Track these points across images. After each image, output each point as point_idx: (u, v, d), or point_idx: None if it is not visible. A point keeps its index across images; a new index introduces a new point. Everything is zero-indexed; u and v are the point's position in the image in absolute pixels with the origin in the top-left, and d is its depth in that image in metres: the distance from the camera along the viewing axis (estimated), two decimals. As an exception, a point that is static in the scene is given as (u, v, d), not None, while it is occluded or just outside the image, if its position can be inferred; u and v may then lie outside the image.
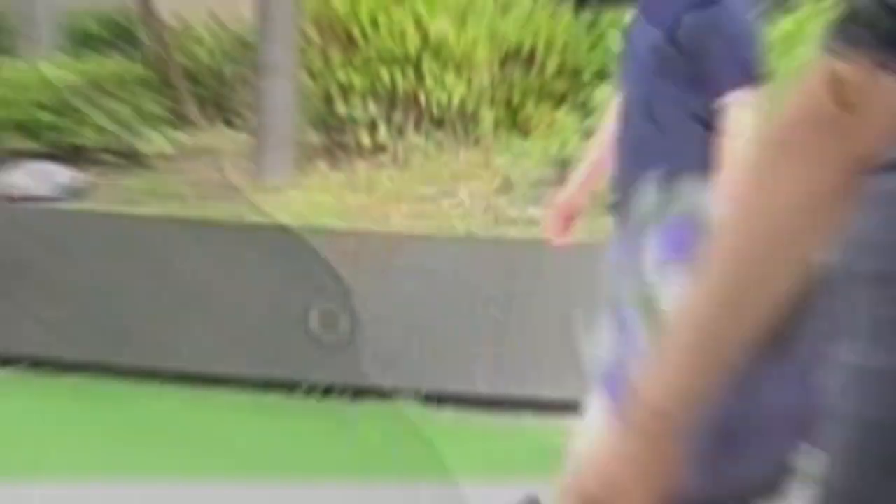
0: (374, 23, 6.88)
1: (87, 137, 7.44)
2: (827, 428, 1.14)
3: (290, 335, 6.60)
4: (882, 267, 1.04)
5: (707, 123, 4.09)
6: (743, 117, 3.99)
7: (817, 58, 1.07)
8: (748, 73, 4.11)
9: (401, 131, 7.01)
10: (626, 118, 4.44)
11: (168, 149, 7.58)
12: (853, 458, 1.09)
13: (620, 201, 4.16)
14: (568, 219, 4.36)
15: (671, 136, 4.20)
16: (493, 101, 7.23)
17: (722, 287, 1.07)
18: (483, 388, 5.98)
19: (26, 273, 6.61)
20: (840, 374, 1.11)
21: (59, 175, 7.04)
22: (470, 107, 7.06)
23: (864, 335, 1.06)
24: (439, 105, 6.97)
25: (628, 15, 4.83)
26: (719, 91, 4.09)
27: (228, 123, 7.90)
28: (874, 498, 1.08)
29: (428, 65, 6.88)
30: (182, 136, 7.75)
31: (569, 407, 4.79)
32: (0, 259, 6.70)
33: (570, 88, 7.52)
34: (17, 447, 5.41)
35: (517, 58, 7.57)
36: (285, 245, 6.67)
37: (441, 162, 6.83)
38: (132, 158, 7.42)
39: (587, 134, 6.38)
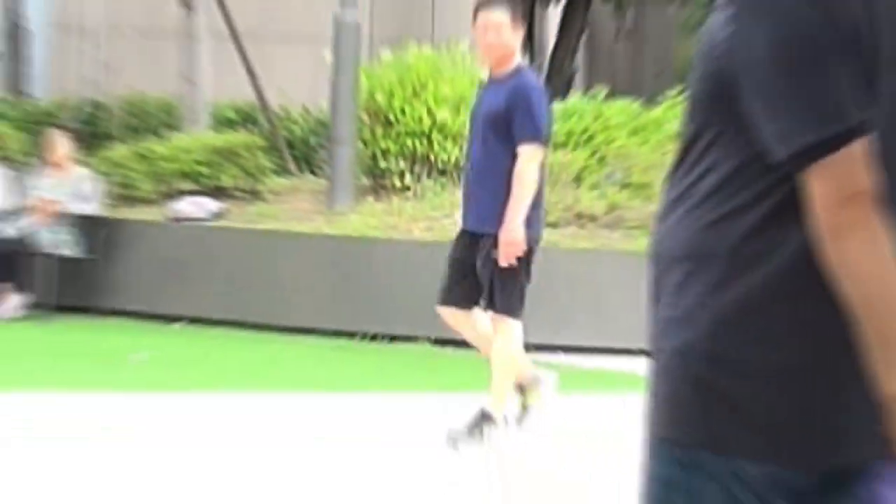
0: (402, 111, 9.28)
1: (226, 181, 10.09)
2: None
3: (347, 300, 9.19)
4: None
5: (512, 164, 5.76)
6: (528, 165, 5.79)
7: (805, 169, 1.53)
8: (536, 133, 5.78)
9: (419, 178, 9.55)
10: (474, 153, 5.99)
11: (275, 188, 10.18)
12: None
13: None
14: None
15: (494, 166, 5.91)
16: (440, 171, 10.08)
17: None
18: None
19: (187, 264, 9.57)
20: None
21: (208, 205, 9.63)
22: (461, 163, 8.85)
23: None
24: (443, 162, 9.45)
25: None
26: (518, 143, 5.71)
27: (313, 172, 10.64)
28: None
29: (436, 137, 9.20)
30: (284, 181, 10.34)
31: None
32: (171, 255, 9.73)
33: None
34: (202, 371, 7.98)
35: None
36: (347, 248, 9.23)
37: (444, 197, 9.09)
38: (253, 194, 10.01)
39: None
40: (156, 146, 10.76)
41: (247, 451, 6.36)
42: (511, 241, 6.18)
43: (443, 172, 9.84)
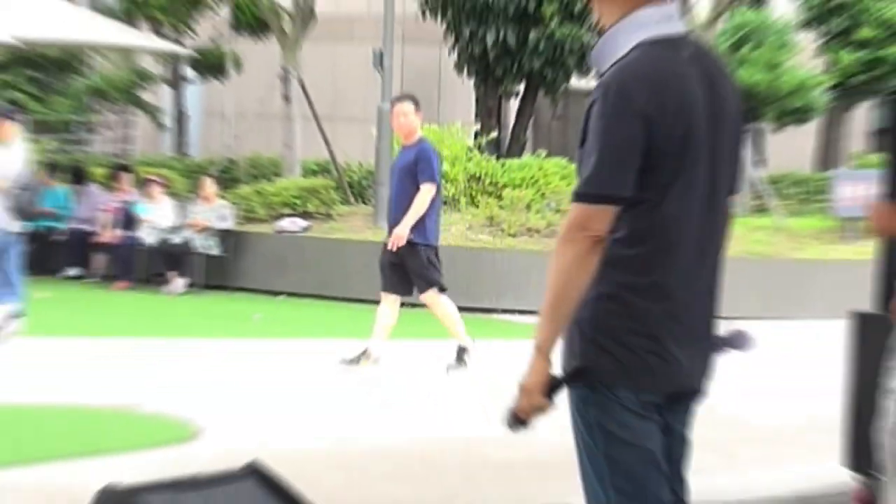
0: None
1: (311, 208, 12.73)
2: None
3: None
4: None
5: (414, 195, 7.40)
6: (425, 195, 7.48)
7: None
8: (432, 178, 7.57)
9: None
10: (394, 189, 7.59)
11: (341, 212, 13.01)
12: None
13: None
14: None
15: (406, 197, 7.56)
16: (464, 195, 12.45)
17: None
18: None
19: (286, 259, 12.00)
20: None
21: (300, 223, 12.30)
22: (456, 196, 11.89)
23: None
24: (444, 196, 10.74)
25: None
26: (421, 183, 7.44)
27: (364, 203, 13.48)
28: None
29: (441, 181, 10.32)
30: (346, 208, 13.23)
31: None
32: (277, 254, 12.04)
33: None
34: (295, 325, 9.69)
35: (475, 178, 12.35)
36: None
37: (444, 217, 10.36)
38: (327, 216, 12.80)
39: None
40: (267, 186, 13.44)
41: (329, 365, 8.29)
42: (397, 236, 7.84)
43: (445, 203, 11.50)
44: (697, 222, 2.49)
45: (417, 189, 7.72)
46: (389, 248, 7.88)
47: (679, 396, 2.61)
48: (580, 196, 2.41)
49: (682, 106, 2.43)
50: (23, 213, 9.86)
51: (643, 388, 2.51)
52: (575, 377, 2.53)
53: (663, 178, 2.41)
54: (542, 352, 2.43)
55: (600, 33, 2.56)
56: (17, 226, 9.35)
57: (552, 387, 2.49)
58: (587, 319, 2.45)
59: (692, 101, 2.44)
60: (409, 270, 7.94)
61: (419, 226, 7.82)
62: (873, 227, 4.13)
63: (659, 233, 2.45)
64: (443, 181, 11.32)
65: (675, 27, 2.49)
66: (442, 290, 8.01)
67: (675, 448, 2.63)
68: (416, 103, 8.21)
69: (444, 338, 8.40)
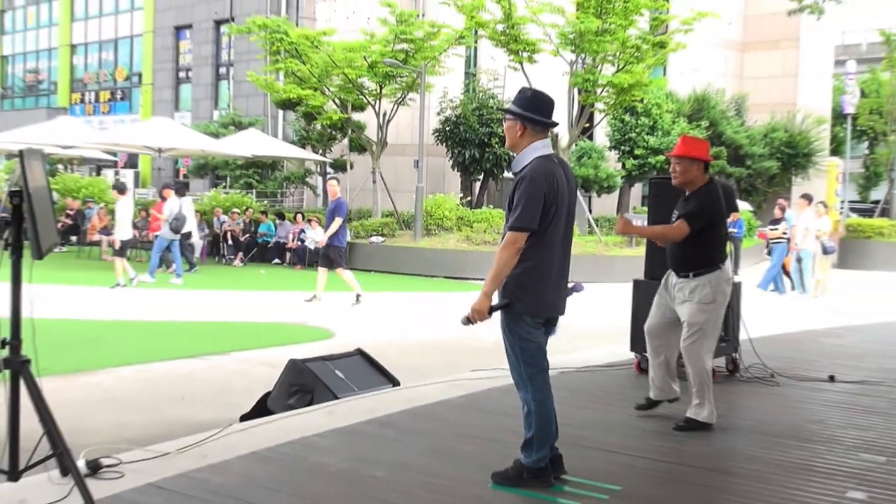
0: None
1: (384, 232, 16.87)
2: None
3: (424, 268, 15.68)
4: None
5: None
6: (337, 224, 10.40)
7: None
8: (342, 214, 10.44)
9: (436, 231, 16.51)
10: (327, 218, 10.85)
11: (397, 234, 16.95)
12: None
13: None
14: None
15: (329, 223, 10.32)
16: (455, 226, 16.70)
17: None
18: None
19: (373, 255, 16.16)
20: None
21: (379, 238, 16.82)
22: (451, 226, 16.71)
23: None
24: (449, 225, 16.73)
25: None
26: (336, 218, 10.30)
27: (409, 229, 17.01)
28: None
29: (427, 222, 16.76)
30: (400, 232, 17.07)
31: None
32: (367, 254, 16.14)
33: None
34: (383, 283, 13.81)
35: (459, 218, 16.81)
36: (421, 251, 15.99)
37: (441, 236, 16.27)
38: (391, 236, 17.02)
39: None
40: (365, 222, 17.57)
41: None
42: (323, 241, 10.38)
43: (445, 229, 16.91)
44: (563, 234, 3.47)
45: (333, 220, 10.54)
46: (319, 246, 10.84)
47: (551, 318, 3.56)
48: (513, 227, 3.32)
49: (556, 186, 3.34)
50: (175, 230, 13.24)
51: (535, 314, 3.48)
52: (505, 307, 3.44)
53: (547, 219, 3.36)
54: (487, 295, 3.37)
55: (514, 151, 3.43)
56: (172, 235, 12.98)
57: (490, 310, 3.41)
58: (513, 279, 3.38)
59: (560, 184, 3.36)
60: (330, 256, 10.84)
61: (336, 237, 10.69)
62: (617, 228, 4.83)
63: (546, 242, 3.40)
64: (443, 219, 16.08)
65: (550, 149, 3.42)
66: (344, 267, 10.74)
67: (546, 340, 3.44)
68: (338, 181, 10.91)
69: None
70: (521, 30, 16.73)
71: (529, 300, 3.39)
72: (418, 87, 17.93)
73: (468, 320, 3.40)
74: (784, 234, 13.09)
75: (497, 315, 3.46)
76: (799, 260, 12.90)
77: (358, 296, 10.77)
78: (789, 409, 5.28)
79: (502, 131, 17.72)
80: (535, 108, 3.45)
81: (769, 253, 13.56)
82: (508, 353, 3.54)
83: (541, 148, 3.45)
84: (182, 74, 33.35)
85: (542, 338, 3.51)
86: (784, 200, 13.77)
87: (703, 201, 4.56)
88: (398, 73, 18.45)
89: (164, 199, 13.58)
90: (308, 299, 10.93)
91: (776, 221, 13.29)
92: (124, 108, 35.93)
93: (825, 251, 12.80)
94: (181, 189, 14.76)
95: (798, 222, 12.89)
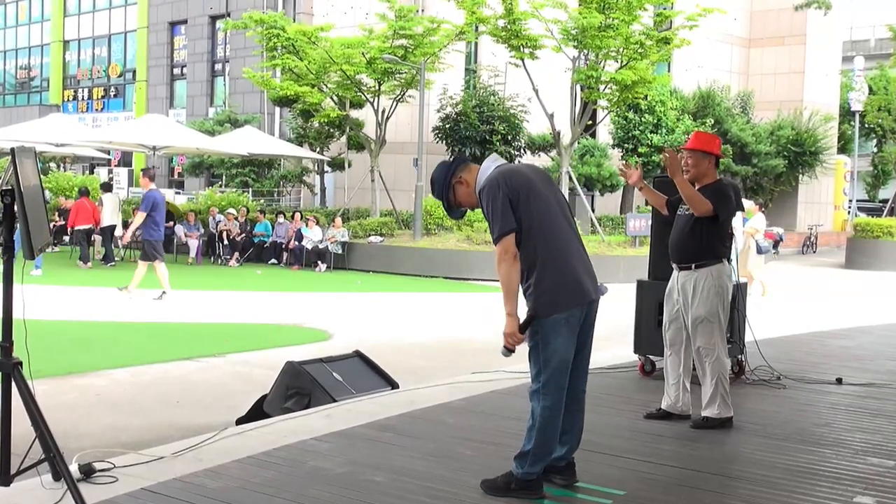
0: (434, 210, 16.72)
1: (384, 231, 16.97)
2: None
3: (424, 267, 15.78)
4: None
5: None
6: (140, 217, 10.73)
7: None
8: (145, 208, 10.49)
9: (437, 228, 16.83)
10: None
11: (396, 233, 17.10)
12: None
13: None
14: None
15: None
16: (455, 225, 16.70)
17: None
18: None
19: (372, 255, 16.47)
20: None
21: (378, 238, 16.75)
22: (451, 226, 16.89)
23: None
24: (448, 225, 16.96)
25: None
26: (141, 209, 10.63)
27: (408, 229, 17.32)
28: None
29: (427, 222, 17.03)
30: (399, 231, 17.50)
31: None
32: (368, 254, 16.35)
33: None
34: (383, 283, 14.53)
35: (465, 218, 18.05)
36: (421, 250, 16.13)
37: (442, 235, 16.59)
38: (390, 235, 17.10)
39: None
40: (363, 221, 17.71)
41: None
42: (127, 237, 12.86)
43: (445, 229, 17.14)
44: (561, 219, 3.51)
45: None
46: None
47: (590, 306, 3.58)
48: (496, 239, 3.39)
49: (516, 180, 3.42)
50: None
51: (569, 305, 3.50)
52: (535, 318, 3.45)
53: (530, 209, 3.38)
54: (511, 315, 3.36)
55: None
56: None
57: (521, 328, 3.36)
58: (533, 288, 3.44)
59: (519, 177, 3.43)
60: (144, 249, 11.14)
61: (148, 231, 10.84)
62: (628, 178, 4.89)
63: (547, 233, 3.43)
64: (443, 218, 16.34)
65: (498, 161, 3.56)
66: (160, 260, 10.78)
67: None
68: (149, 173, 11.01)
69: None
70: (522, 25, 16.83)
71: (561, 297, 3.37)
72: (418, 83, 18.01)
73: (507, 350, 3.42)
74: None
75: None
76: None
77: (163, 293, 10.86)
78: (796, 412, 5.31)
79: (504, 129, 19.04)
80: (451, 173, 3.59)
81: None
82: (531, 363, 3.52)
83: (490, 165, 3.53)
84: (177, 71, 33.49)
85: (572, 350, 3.47)
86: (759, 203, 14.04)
87: (725, 193, 4.66)
88: (397, 70, 18.56)
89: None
90: (122, 290, 11.13)
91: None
92: (118, 105, 36.11)
93: (759, 250, 12.76)
94: (106, 185, 16.18)
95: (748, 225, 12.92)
